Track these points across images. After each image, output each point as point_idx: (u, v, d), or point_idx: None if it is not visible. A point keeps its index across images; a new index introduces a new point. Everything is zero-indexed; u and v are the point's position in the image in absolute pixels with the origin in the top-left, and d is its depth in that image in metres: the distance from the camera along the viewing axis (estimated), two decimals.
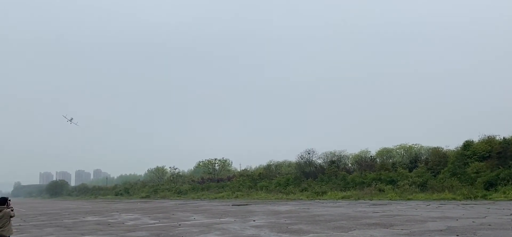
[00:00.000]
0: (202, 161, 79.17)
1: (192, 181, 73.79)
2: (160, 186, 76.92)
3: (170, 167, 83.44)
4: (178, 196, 63.27)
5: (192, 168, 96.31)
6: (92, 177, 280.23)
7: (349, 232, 13.17)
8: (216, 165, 75.64)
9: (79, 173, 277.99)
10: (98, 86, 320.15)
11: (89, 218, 23.78)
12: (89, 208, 37.87)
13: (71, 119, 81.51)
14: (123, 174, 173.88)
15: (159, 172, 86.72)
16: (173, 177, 79.58)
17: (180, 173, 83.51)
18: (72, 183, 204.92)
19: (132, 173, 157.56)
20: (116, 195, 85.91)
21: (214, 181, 67.33)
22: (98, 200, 70.13)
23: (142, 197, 70.35)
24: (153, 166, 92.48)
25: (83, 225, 19.39)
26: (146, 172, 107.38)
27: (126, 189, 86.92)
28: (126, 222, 20.06)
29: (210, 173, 73.82)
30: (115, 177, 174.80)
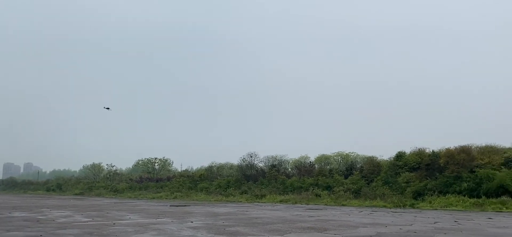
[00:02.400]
0: (142, 160, 77.34)
1: (130, 179, 71.82)
2: (96, 183, 74.14)
3: (107, 164, 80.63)
4: (114, 195, 61.30)
5: (131, 167, 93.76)
6: (22, 170, 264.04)
7: (285, 235, 13.48)
8: (156, 164, 74.18)
9: (7, 166, 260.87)
10: (37, 79, 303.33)
11: (16, 214, 22.44)
12: (17, 203, 35.69)
13: (108, 108, 79.40)
14: (57, 169, 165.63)
15: (95, 169, 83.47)
16: (109, 175, 76.97)
17: (118, 171, 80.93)
18: (0, 176, 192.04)
19: (67, 168, 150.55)
20: (48, 190, 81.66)
21: (153, 181, 65.94)
22: (27, 195, 66.24)
23: (76, 194, 67.44)
24: (89, 162, 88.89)
25: (10, 221, 18.28)
26: (82, 168, 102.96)
27: (58, 185, 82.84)
28: (56, 219, 19.18)
29: (149, 173, 72.23)
30: (48, 172, 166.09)
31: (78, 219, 19.29)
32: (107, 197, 56.57)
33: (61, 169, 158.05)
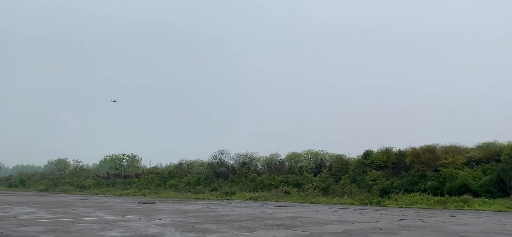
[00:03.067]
0: (109, 156, 75.74)
1: (97, 176, 70.24)
2: (61, 179, 72.12)
3: (73, 160, 78.58)
4: (80, 191, 59.84)
5: (98, 163, 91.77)
6: None
7: (254, 232, 13.52)
8: (124, 160, 72.86)
9: None
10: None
11: None
12: None
13: (115, 100, 77.34)
14: (20, 164, 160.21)
15: (60, 164, 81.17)
16: (76, 171, 75.03)
17: (84, 167, 79.00)
18: None
19: (31, 164, 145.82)
20: (10, 186, 78.90)
21: (120, 177, 64.74)
22: None
23: (40, 190, 65.43)
24: (54, 157, 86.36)
25: None
26: (47, 163, 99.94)
27: (22, 181, 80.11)
28: (19, 216, 18.57)
29: (117, 169, 70.89)
30: (10, 167, 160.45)
31: (42, 216, 18.75)
32: (73, 194, 55.22)
33: (25, 165, 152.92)
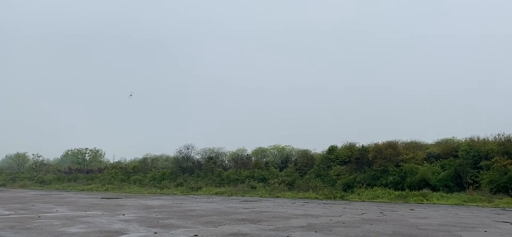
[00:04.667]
0: (71, 150, 73.63)
1: (58, 170, 68.20)
2: (20, 174, 69.55)
3: (33, 154, 75.94)
4: (40, 186, 57.93)
5: (59, 157, 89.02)
6: None
7: (219, 227, 13.53)
8: (87, 155, 71.04)
9: None
10: None
11: None
12: None
13: (131, 95, 74.35)
14: None
15: (19, 158, 78.26)
16: (35, 165, 72.55)
17: (45, 162, 76.48)
18: None
19: None
20: None
21: (83, 172, 63.14)
22: None
23: None
24: (12, 152, 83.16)
25: None
26: (4, 157, 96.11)
27: None
28: None
29: (79, 164, 69.05)
30: None
31: None
32: (32, 189, 53.38)
33: None
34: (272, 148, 54.05)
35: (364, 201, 32.07)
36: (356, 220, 16.51)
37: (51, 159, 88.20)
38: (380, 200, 32.15)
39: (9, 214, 17.17)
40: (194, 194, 40.69)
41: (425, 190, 32.41)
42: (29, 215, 16.95)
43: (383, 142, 39.07)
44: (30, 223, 13.87)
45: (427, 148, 39.44)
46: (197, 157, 53.48)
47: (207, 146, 55.09)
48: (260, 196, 37.01)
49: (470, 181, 32.38)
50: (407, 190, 33.17)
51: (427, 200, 30.74)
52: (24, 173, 69.81)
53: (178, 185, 46.70)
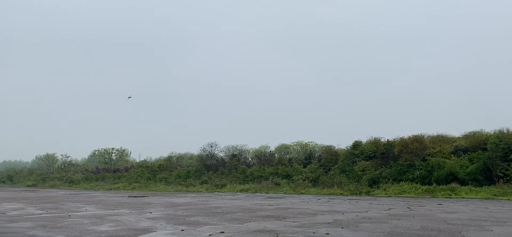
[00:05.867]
0: (98, 150, 75.16)
1: (86, 170, 69.75)
2: (49, 174, 71.45)
3: (61, 155, 77.88)
4: (69, 186, 59.42)
5: (87, 157, 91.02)
6: None
7: (245, 224, 13.58)
8: (113, 154, 72.37)
9: None
10: None
11: None
12: None
13: (130, 97, 76.77)
14: (7, 160, 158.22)
15: (49, 159, 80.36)
16: (64, 166, 74.39)
17: (73, 162, 78.34)
18: None
19: (18, 159, 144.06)
20: None
21: (110, 172, 64.40)
22: None
23: (28, 186, 64.80)
24: (42, 153, 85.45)
25: None
26: (34, 159, 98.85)
27: (9, 177, 79.09)
28: (8, 212, 18.40)
29: (106, 163, 70.42)
30: None
31: (31, 212, 18.61)
32: (62, 189, 54.79)
33: (12, 160, 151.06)
34: (295, 145, 53.86)
35: (390, 196, 31.65)
36: (383, 216, 16.31)
37: (79, 159, 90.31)
38: (407, 195, 31.68)
39: (41, 214, 17.66)
40: (219, 192, 40.98)
41: (453, 184, 31.76)
42: (60, 214, 17.39)
43: (409, 136, 38.46)
44: (61, 222, 14.23)
45: (454, 142, 38.60)
46: (221, 154, 53.88)
47: (230, 143, 55.34)
48: (285, 193, 36.98)
49: (500, 174, 31.55)
50: (434, 184, 32.58)
51: (455, 194, 30.13)
52: (54, 174, 71.68)
53: (203, 182, 47.11)
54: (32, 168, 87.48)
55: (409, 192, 32.24)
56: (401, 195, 31.68)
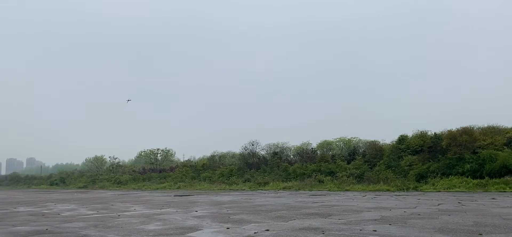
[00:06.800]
0: (144, 151, 77.54)
1: (133, 171, 72.01)
2: (99, 176, 74.33)
3: (109, 157, 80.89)
4: (117, 187, 61.50)
5: (133, 158, 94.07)
6: (24, 165, 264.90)
7: (289, 222, 13.49)
8: (159, 155, 74.37)
9: (10, 162, 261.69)
10: (35, 74, 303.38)
11: (22, 209, 22.52)
12: (22, 198, 35.82)
13: (129, 100, 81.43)
14: (59, 163, 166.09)
15: (98, 161, 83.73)
16: (112, 167, 77.17)
17: (120, 163, 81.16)
18: (2, 172, 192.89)
19: (69, 162, 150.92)
20: (51, 184, 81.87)
21: (156, 172, 66.15)
22: (31, 190, 66.47)
23: (79, 187, 67.65)
24: (91, 155, 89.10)
25: (15, 216, 18.35)
26: (84, 161, 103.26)
27: (62, 179, 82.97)
28: (62, 213, 19.24)
29: (152, 164, 72.43)
30: (50, 166, 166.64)
31: (83, 212, 19.36)
32: (110, 189, 56.77)
33: (64, 163, 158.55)
34: (338, 141, 53.19)
35: (439, 191, 30.55)
36: (433, 211, 15.73)
37: (126, 160, 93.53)
38: (457, 189, 30.48)
39: (92, 214, 18.33)
40: (261, 189, 41.07)
41: (507, 177, 30.22)
42: (110, 214, 17.98)
43: (457, 129, 36.98)
44: (111, 222, 14.70)
45: (507, 133, 36.69)
46: (262, 152, 54.03)
47: (271, 141, 55.41)
48: (329, 190, 36.53)
49: None
50: (486, 178, 31.15)
51: (510, 188, 28.66)
52: (103, 175, 74.49)
53: (245, 180, 47.42)
54: (82, 170, 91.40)
55: (459, 187, 30.99)
56: (451, 190, 30.50)
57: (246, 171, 50.61)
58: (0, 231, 13.13)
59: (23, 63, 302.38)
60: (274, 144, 54.06)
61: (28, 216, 17.82)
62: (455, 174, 33.26)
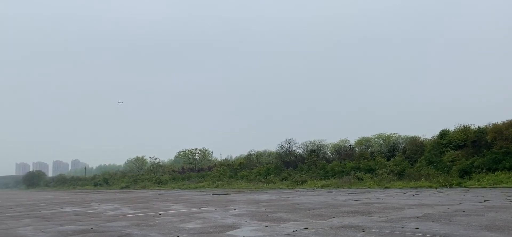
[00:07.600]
0: (183, 151, 78.87)
1: (173, 171, 73.40)
2: (140, 176, 76.27)
3: (150, 157, 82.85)
4: (158, 186, 62.90)
5: (173, 158, 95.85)
6: (70, 167, 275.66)
7: (329, 220, 13.36)
8: (197, 155, 75.45)
9: (56, 164, 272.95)
10: (78, 79, 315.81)
11: (68, 209, 23.47)
12: (67, 199, 37.34)
13: (121, 102, 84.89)
14: (102, 164, 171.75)
15: (139, 162, 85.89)
16: (153, 167, 78.99)
17: (160, 163, 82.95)
18: (50, 173, 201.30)
19: (111, 163, 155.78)
20: (95, 185, 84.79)
21: (194, 171, 67.17)
22: (76, 191, 69.16)
23: (122, 187, 69.68)
24: (132, 156, 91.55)
25: (61, 215, 19.15)
26: (126, 162, 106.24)
27: (105, 180, 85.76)
28: (105, 212, 19.89)
29: (191, 163, 73.57)
30: (94, 168, 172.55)
31: (125, 212, 19.94)
32: (151, 189, 58.15)
33: (107, 164, 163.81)
34: (377, 137, 52.05)
35: (485, 187, 29.37)
36: (478, 208, 15.14)
37: (166, 160, 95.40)
38: (504, 185, 29.19)
39: (134, 213, 18.85)
40: (299, 188, 40.86)
41: None
42: (151, 213, 18.42)
43: (503, 122, 35.35)
44: (153, 221, 15.05)
45: None
46: (299, 151, 53.70)
47: (308, 139, 54.95)
48: (368, 188, 35.88)
49: None
50: None
51: None
52: (144, 175, 76.37)
53: (283, 179, 47.32)
54: (124, 170, 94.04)
55: (507, 182, 29.65)
56: (498, 186, 29.25)
57: (283, 170, 50.49)
58: (48, 230, 13.74)
59: (69, 65, 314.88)
60: (310, 142, 53.57)
61: (74, 216, 18.55)
62: (502, 169, 31.85)
